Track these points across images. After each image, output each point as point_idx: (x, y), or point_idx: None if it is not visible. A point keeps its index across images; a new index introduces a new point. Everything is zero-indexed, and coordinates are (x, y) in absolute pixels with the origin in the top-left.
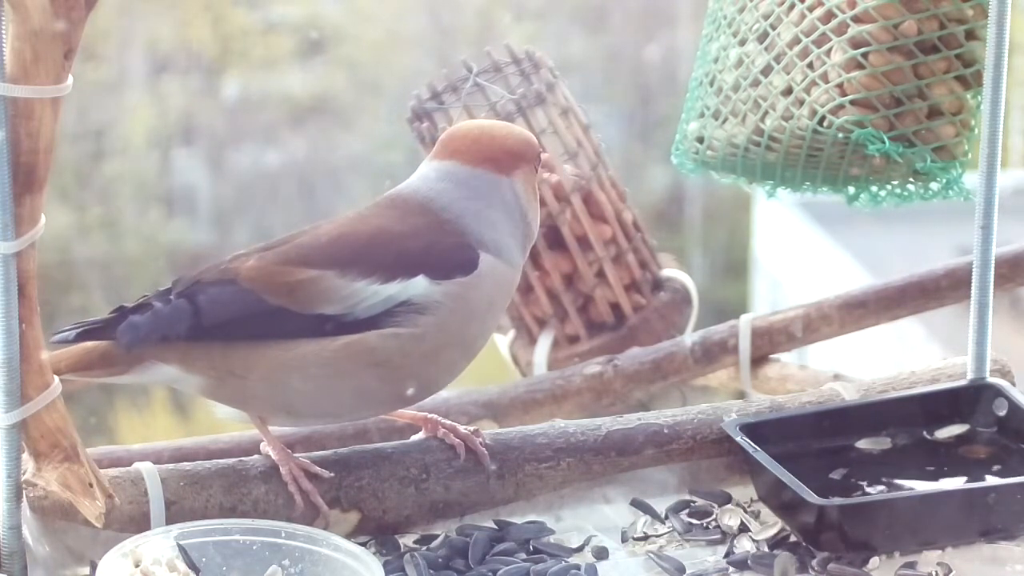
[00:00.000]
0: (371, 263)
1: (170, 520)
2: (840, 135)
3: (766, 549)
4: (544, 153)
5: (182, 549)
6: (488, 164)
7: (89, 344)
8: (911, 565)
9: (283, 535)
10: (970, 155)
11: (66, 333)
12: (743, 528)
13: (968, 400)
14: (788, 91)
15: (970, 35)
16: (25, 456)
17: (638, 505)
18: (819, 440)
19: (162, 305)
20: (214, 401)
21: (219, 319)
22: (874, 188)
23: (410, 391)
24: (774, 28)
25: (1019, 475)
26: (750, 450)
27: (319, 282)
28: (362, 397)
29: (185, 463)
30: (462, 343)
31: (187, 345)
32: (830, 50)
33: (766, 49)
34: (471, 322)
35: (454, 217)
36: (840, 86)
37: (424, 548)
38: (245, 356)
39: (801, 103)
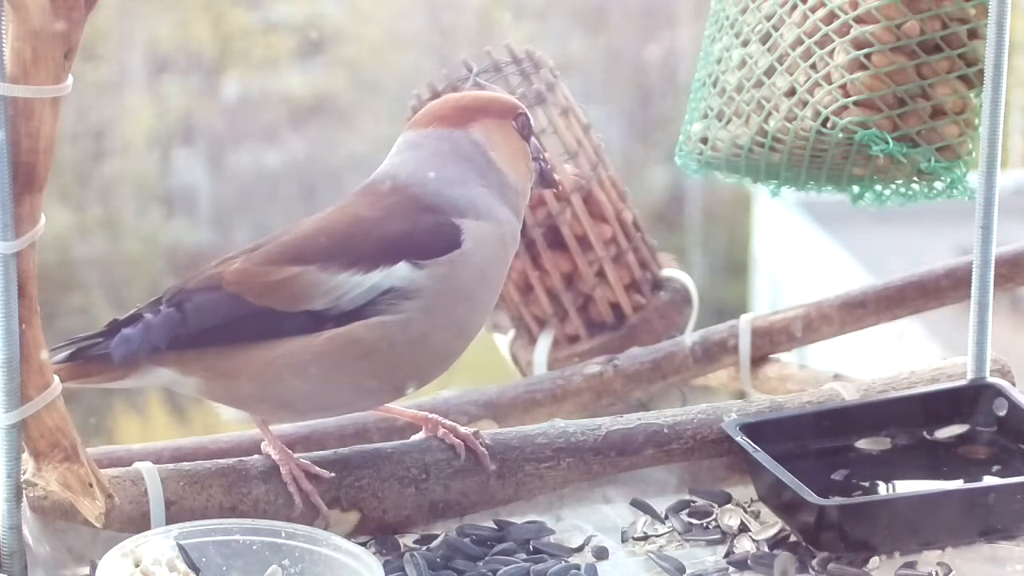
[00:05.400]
0: (351, 254)
1: (170, 520)
2: (844, 136)
3: (766, 549)
4: (525, 113)
5: (182, 549)
6: (438, 122)
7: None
8: (911, 565)
9: (283, 535)
10: (974, 154)
11: (61, 352)
12: (743, 528)
13: (968, 400)
14: (791, 92)
15: (972, 34)
16: (25, 456)
17: (638, 505)
18: (819, 440)
19: (152, 316)
20: (213, 401)
21: (206, 325)
22: (878, 188)
23: (404, 380)
24: (777, 29)
25: (1019, 475)
26: (750, 450)
27: (301, 278)
28: (355, 389)
29: (185, 463)
30: (453, 324)
31: (180, 352)
32: (833, 51)
33: (769, 50)
34: (460, 301)
35: (418, 183)
36: (843, 87)
37: (424, 548)
38: (235, 358)
39: (804, 104)
